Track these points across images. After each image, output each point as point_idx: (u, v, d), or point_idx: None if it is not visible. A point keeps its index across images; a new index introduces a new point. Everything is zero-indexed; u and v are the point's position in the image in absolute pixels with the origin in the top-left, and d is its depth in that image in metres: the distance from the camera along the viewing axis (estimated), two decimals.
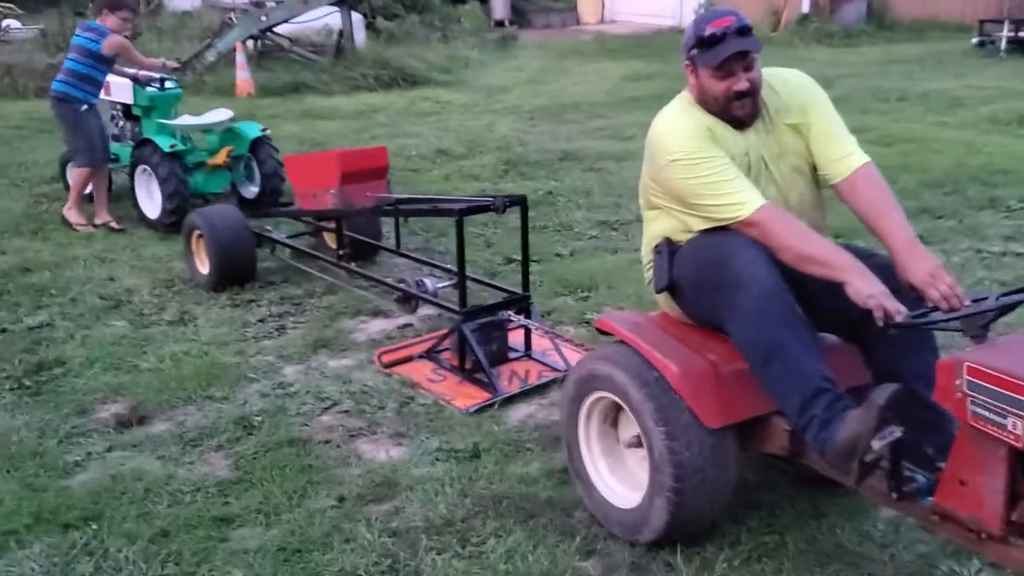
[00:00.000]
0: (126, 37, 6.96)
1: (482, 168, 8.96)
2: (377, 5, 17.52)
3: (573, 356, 4.54)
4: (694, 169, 2.83)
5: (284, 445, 3.85)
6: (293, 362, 4.72)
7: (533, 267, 6.16)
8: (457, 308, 4.58)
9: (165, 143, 6.82)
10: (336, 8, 14.49)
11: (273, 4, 14.74)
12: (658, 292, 3.09)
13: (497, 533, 3.19)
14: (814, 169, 2.97)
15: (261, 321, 5.27)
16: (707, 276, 2.82)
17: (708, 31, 2.80)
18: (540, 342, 4.74)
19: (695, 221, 2.91)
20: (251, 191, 7.52)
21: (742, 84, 2.82)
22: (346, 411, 4.17)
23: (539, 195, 7.93)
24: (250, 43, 14.47)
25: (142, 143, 7.02)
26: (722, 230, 2.83)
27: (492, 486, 3.49)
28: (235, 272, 5.70)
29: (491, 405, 4.17)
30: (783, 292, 2.69)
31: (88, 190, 7.19)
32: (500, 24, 23.17)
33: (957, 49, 16.60)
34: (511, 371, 4.51)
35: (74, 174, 7.02)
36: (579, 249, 6.49)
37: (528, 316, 4.66)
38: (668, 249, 3.00)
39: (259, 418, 4.09)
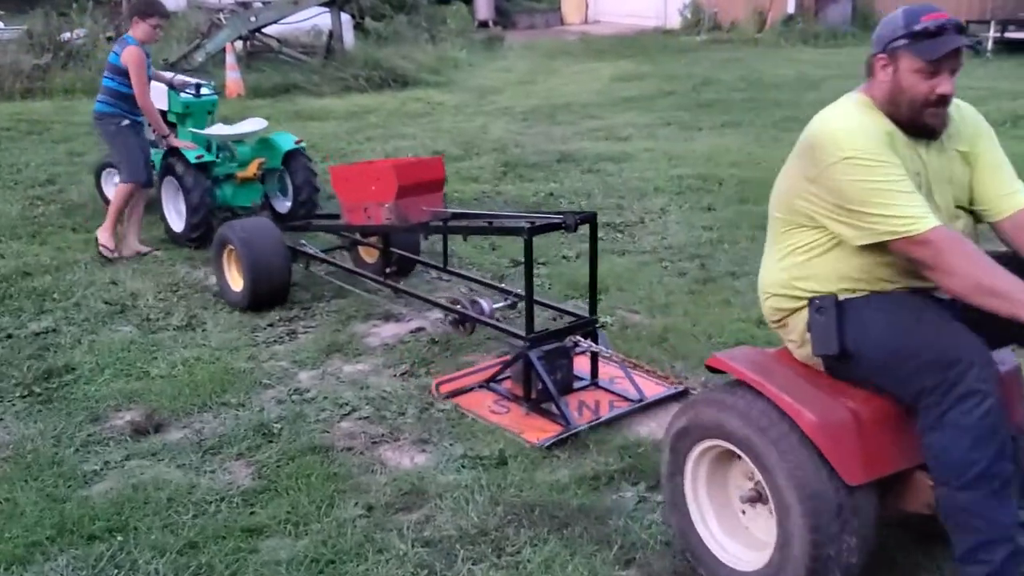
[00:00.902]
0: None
1: (480, 170, 8.91)
2: (365, 5, 17.42)
3: (647, 385, 4.30)
4: (868, 172, 2.54)
5: (307, 453, 3.79)
6: (307, 367, 4.66)
7: (540, 269, 6.13)
8: (523, 334, 4.24)
9: (191, 153, 6.51)
10: (326, 9, 14.40)
11: (261, 4, 14.63)
12: (819, 355, 2.74)
13: (532, 542, 3.15)
14: (970, 203, 2.77)
15: (271, 326, 5.20)
16: (917, 375, 2.50)
17: (924, 22, 2.57)
18: (606, 369, 4.45)
19: (851, 233, 2.60)
20: (284, 205, 7.09)
21: (947, 87, 2.59)
22: (366, 417, 4.12)
23: (540, 197, 7.93)
24: (239, 44, 14.36)
25: (169, 152, 6.65)
26: (929, 309, 2.56)
27: (522, 494, 3.45)
28: (270, 290, 5.41)
29: (565, 439, 3.88)
30: (1005, 414, 2.48)
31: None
32: (484, 25, 23.14)
33: None
34: (579, 401, 4.21)
35: (116, 191, 6.58)
36: (585, 251, 6.36)
37: (596, 341, 4.31)
38: (835, 309, 2.67)
39: (278, 425, 4.03)
